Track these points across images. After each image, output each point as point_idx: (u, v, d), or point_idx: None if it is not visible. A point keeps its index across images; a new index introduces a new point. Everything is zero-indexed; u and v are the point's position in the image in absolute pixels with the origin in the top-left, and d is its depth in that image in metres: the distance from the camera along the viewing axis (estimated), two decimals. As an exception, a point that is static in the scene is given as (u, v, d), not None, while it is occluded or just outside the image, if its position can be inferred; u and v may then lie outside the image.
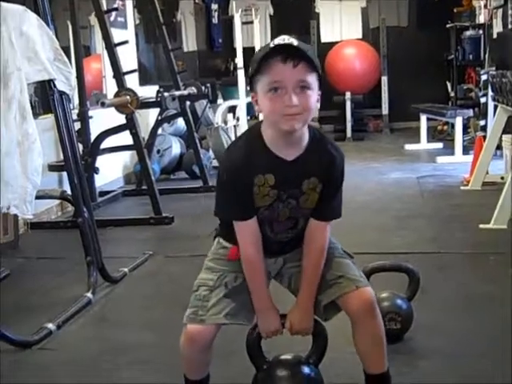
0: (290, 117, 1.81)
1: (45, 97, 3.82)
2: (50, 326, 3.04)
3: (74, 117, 5.13)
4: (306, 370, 2.07)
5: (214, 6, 10.86)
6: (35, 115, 3.65)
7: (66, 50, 5.13)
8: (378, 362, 2.11)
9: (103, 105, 4.69)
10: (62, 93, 3.48)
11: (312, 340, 2.10)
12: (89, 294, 3.44)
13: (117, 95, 5.09)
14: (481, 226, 4.53)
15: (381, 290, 2.83)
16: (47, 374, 2.68)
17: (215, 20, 10.98)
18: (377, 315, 2.05)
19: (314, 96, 1.85)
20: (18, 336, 2.90)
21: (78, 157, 3.69)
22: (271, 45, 1.79)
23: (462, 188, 5.94)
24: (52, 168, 5.03)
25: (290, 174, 1.91)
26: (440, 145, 8.55)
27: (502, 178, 5.69)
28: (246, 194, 1.90)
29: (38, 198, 3.26)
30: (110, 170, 6.57)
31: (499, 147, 6.21)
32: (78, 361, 2.78)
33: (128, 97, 4.97)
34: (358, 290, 1.99)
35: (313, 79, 1.84)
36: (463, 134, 7.70)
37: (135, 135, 5.19)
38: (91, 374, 2.67)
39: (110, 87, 6.16)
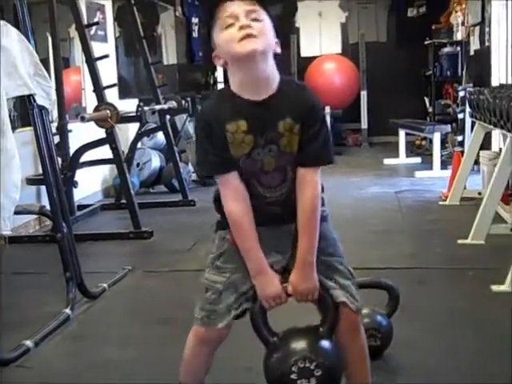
0: (246, 38, 1.84)
1: (24, 110, 3.81)
2: (28, 343, 3.00)
3: (54, 130, 5.11)
4: (318, 339, 1.99)
5: (195, 20, 10.87)
6: (13, 128, 3.62)
7: (45, 62, 5.12)
8: (362, 379, 2.12)
9: (83, 119, 4.67)
10: (41, 107, 3.46)
11: (319, 311, 2.03)
12: (67, 311, 3.40)
13: (97, 109, 5.07)
14: (459, 241, 4.57)
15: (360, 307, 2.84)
16: (25, 392, 2.65)
17: (195, 33, 11.00)
18: (361, 335, 2.07)
19: (268, 27, 1.90)
20: (-5, 353, 2.86)
21: (57, 171, 3.67)
22: None
23: (440, 203, 5.99)
24: (30, 182, 4.99)
25: (262, 116, 1.89)
26: (418, 159, 8.62)
27: (480, 193, 5.74)
28: (221, 143, 1.88)
29: (16, 213, 3.24)
30: (89, 184, 6.53)
31: (477, 162, 6.27)
32: (57, 379, 2.75)
33: (108, 111, 4.96)
34: (349, 309, 2.00)
35: (263, 15, 1.89)
36: (441, 149, 7.77)
37: (115, 149, 5.17)
38: (70, 392, 2.64)
39: (90, 100, 6.14)
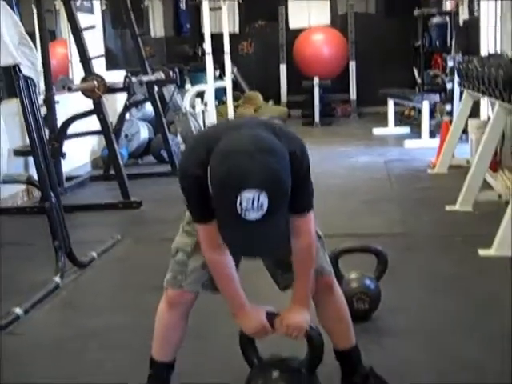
0: None
1: (10, 81, 3.77)
2: (18, 310, 3.01)
3: (41, 102, 5.08)
4: (295, 378, 2.03)
5: (182, -8, 10.77)
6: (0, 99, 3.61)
7: (31, 35, 5.05)
8: (344, 337, 2.17)
9: (70, 89, 4.65)
10: (27, 78, 3.43)
11: (307, 346, 2.06)
12: (57, 279, 3.41)
13: (84, 80, 5.04)
14: (447, 208, 4.60)
15: (349, 271, 2.87)
16: (16, 358, 2.66)
17: (183, 5, 10.90)
18: (335, 293, 2.12)
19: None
20: (-15, 321, 2.87)
21: (44, 141, 3.65)
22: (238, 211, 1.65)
23: (428, 171, 6.01)
24: (18, 153, 4.96)
25: None
26: (407, 129, 8.62)
27: (468, 161, 5.76)
28: (205, 197, 1.79)
29: (3, 182, 3.25)
30: (78, 155, 6.50)
31: (465, 131, 6.28)
32: (47, 345, 2.77)
33: (95, 82, 4.92)
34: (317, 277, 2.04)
35: None
36: (430, 119, 7.77)
37: (103, 120, 5.15)
38: (60, 357, 2.66)
39: (77, 72, 6.10)
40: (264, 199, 1.63)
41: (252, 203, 1.62)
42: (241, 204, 1.62)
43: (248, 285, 2.09)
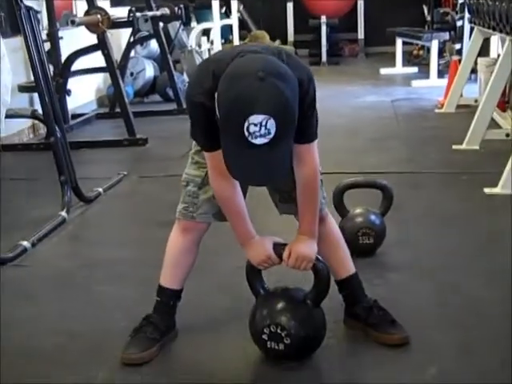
0: None
1: (13, 15, 3.71)
2: (25, 243, 3.04)
3: (44, 37, 5.02)
4: (298, 307, 2.03)
5: None
6: (3, 34, 3.55)
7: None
8: (342, 266, 2.19)
9: (73, 23, 4.58)
10: (29, 8, 3.38)
11: (314, 278, 2.06)
12: (63, 213, 3.43)
13: (87, 14, 4.97)
14: (454, 146, 4.57)
15: (355, 206, 2.87)
16: (23, 288, 2.70)
17: None
18: (327, 223, 2.14)
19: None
20: (-8, 253, 2.90)
21: (48, 76, 3.62)
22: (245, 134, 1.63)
23: (436, 111, 5.95)
24: (22, 89, 4.94)
25: None
26: (415, 69, 8.50)
27: (476, 100, 5.69)
28: (213, 127, 1.78)
29: (8, 117, 3.21)
30: (83, 93, 6.46)
31: (474, 71, 6.19)
32: (54, 276, 2.80)
33: (99, 15, 4.85)
34: None
35: None
36: (439, 58, 7.66)
37: (107, 56, 5.09)
38: (67, 288, 2.69)
39: (81, 8, 6.01)
40: (272, 125, 1.61)
41: (260, 128, 1.61)
42: (248, 128, 1.61)
43: (256, 215, 2.10)
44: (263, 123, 1.61)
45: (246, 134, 1.61)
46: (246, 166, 1.69)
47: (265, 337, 2.00)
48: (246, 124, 1.61)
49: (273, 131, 1.62)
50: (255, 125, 1.61)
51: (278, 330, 1.98)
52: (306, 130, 1.86)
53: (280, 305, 2.03)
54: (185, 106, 6.18)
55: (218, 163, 1.84)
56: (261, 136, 1.61)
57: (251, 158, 1.66)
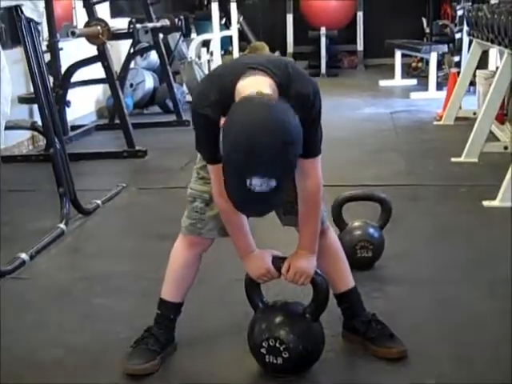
0: None
1: (13, 27, 3.73)
2: (23, 256, 3.04)
3: (44, 48, 5.03)
4: (298, 321, 2.03)
5: None
6: (3, 45, 3.56)
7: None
8: (341, 279, 2.19)
9: (73, 34, 4.59)
10: (30, 20, 3.39)
11: (313, 292, 2.06)
12: (62, 225, 3.42)
13: (87, 25, 4.98)
14: (452, 159, 4.58)
15: (353, 219, 2.87)
16: (22, 300, 2.70)
17: (188, -48, 10.70)
18: (328, 237, 2.14)
19: None
20: (-9, 265, 2.89)
21: (48, 88, 3.62)
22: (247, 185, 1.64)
23: (434, 123, 5.97)
24: (22, 100, 4.95)
25: None
26: (414, 81, 8.52)
27: (474, 113, 5.70)
28: (218, 140, 1.78)
29: (8, 128, 3.22)
30: (83, 105, 6.47)
31: (472, 83, 6.21)
32: (52, 289, 2.80)
33: (99, 27, 4.87)
34: None
35: None
36: (437, 70, 7.68)
37: (107, 67, 5.10)
38: (66, 300, 2.69)
39: (81, 20, 6.03)
40: (273, 182, 1.63)
41: (261, 184, 1.63)
42: (250, 183, 1.63)
43: (256, 227, 2.10)
44: (264, 182, 1.63)
45: (248, 183, 1.63)
46: (247, 202, 1.71)
47: (263, 350, 2.00)
48: (247, 181, 1.63)
49: (274, 184, 1.64)
50: (256, 182, 1.62)
51: (277, 344, 1.97)
52: (311, 146, 1.85)
53: (278, 318, 2.03)
54: (184, 117, 6.23)
55: (221, 177, 1.84)
56: (261, 188, 1.63)
57: (251, 197, 1.66)
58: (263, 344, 1.99)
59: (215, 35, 7.99)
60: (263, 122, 1.64)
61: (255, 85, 1.75)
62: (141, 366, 2.08)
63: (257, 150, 1.61)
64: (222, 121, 1.75)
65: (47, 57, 5.09)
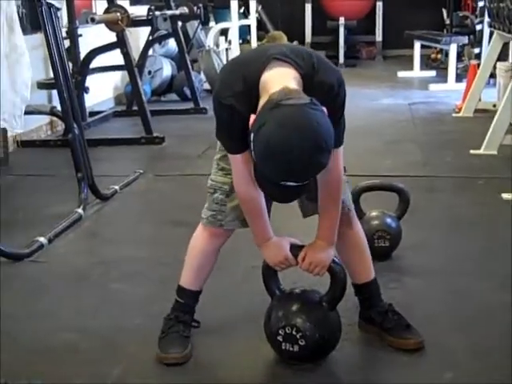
0: None
1: (33, 12, 3.74)
2: (42, 239, 3.06)
3: (64, 35, 5.04)
4: (314, 309, 2.03)
5: None
6: (23, 31, 3.57)
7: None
8: (362, 271, 2.18)
9: (93, 20, 4.60)
10: (50, 5, 3.40)
11: (330, 280, 2.06)
12: (79, 210, 3.44)
13: (107, 12, 4.99)
14: (471, 151, 4.55)
15: (371, 209, 2.86)
16: (39, 284, 2.71)
17: None
18: (354, 226, 2.13)
19: None
20: (9, 249, 2.92)
21: (67, 73, 3.63)
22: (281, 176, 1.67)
23: (453, 115, 5.92)
24: (41, 85, 4.96)
25: None
26: (433, 73, 8.46)
27: (494, 105, 5.66)
28: (241, 129, 1.79)
29: (27, 113, 3.23)
30: (101, 91, 6.48)
31: (493, 76, 6.16)
32: (70, 273, 2.82)
33: (118, 14, 4.87)
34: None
35: None
36: (457, 62, 7.61)
37: (126, 54, 5.11)
38: (82, 285, 2.71)
39: (100, 6, 6.03)
40: (306, 181, 1.70)
41: (295, 184, 1.68)
42: (284, 184, 1.67)
43: (274, 215, 2.09)
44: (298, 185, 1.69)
45: (281, 181, 1.66)
46: (279, 194, 1.75)
47: (280, 338, 2.00)
48: (282, 182, 1.66)
49: (307, 182, 1.70)
50: (290, 184, 1.67)
51: (293, 332, 1.98)
52: (336, 132, 1.82)
53: (295, 306, 2.03)
54: (202, 105, 6.23)
55: (242, 167, 1.86)
56: (294, 186, 1.67)
57: (284, 191, 1.71)
58: (280, 331, 2.00)
59: (233, 24, 7.98)
60: (299, 132, 1.61)
61: (281, 78, 1.74)
62: (181, 354, 2.09)
63: (293, 161, 1.61)
64: (247, 113, 1.73)
65: (67, 43, 5.11)
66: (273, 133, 1.62)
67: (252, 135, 1.68)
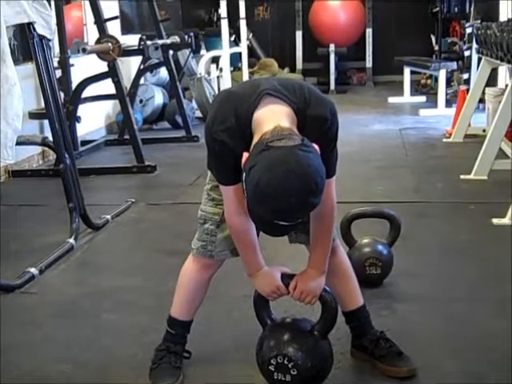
0: None
1: (25, 43, 3.76)
2: (33, 270, 3.05)
3: (55, 64, 5.06)
4: (306, 339, 2.02)
5: (198, -45, 10.65)
6: (15, 61, 3.59)
7: (46, -4, 5.02)
8: (351, 297, 2.18)
9: (84, 51, 4.63)
10: (42, 37, 3.42)
11: (321, 309, 2.06)
12: (71, 240, 3.44)
13: (98, 42, 5.02)
14: (462, 176, 4.58)
15: (362, 236, 2.87)
16: (31, 316, 2.70)
17: (198, -31, 10.78)
18: (339, 254, 2.13)
19: None
20: (0, 280, 2.90)
21: (59, 103, 3.65)
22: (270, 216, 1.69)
23: (444, 140, 5.96)
24: (33, 115, 4.98)
25: None
26: (423, 98, 8.54)
27: (484, 130, 5.71)
28: (233, 164, 1.79)
29: (18, 143, 3.23)
30: (92, 120, 6.51)
31: (482, 101, 6.22)
32: (62, 304, 2.80)
33: (110, 44, 4.90)
34: None
35: None
36: (446, 88, 7.69)
37: (117, 83, 5.13)
38: (75, 315, 2.69)
39: (92, 36, 6.07)
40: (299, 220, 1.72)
41: (288, 224, 1.70)
42: (277, 223, 1.69)
43: (265, 243, 2.10)
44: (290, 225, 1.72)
45: (275, 221, 1.68)
46: (271, 230, 1.78)
47: (271, 367, 1.99)
48: (274, 221, 1.68)
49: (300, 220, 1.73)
50: (284, 223, 1.69)
51: (285, 361, 1.97)
52: (326, 167, 1.80)
53: (287, 335, 2.02)
54: (193, 133, 6.25)
55: (234, 198, 1.86)
56: (286, 224, 1.70)
57: (277, 228, 1.72)
58: (271, 361, 1.99)
59: (225, 52, 8.03)
60: (287, 176, 1.60)
61: (273, 116, 1.74)
62: None
63: (282, 204, 1.62)
64: (240, 150, 1.73)
65: (58, 73, 5.13)
66: (262, 176, 1.62)
67: (244, 175, 1.68)
